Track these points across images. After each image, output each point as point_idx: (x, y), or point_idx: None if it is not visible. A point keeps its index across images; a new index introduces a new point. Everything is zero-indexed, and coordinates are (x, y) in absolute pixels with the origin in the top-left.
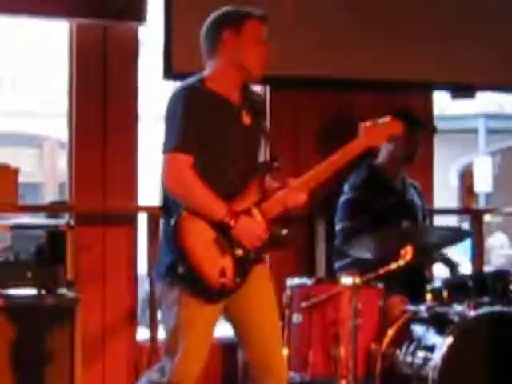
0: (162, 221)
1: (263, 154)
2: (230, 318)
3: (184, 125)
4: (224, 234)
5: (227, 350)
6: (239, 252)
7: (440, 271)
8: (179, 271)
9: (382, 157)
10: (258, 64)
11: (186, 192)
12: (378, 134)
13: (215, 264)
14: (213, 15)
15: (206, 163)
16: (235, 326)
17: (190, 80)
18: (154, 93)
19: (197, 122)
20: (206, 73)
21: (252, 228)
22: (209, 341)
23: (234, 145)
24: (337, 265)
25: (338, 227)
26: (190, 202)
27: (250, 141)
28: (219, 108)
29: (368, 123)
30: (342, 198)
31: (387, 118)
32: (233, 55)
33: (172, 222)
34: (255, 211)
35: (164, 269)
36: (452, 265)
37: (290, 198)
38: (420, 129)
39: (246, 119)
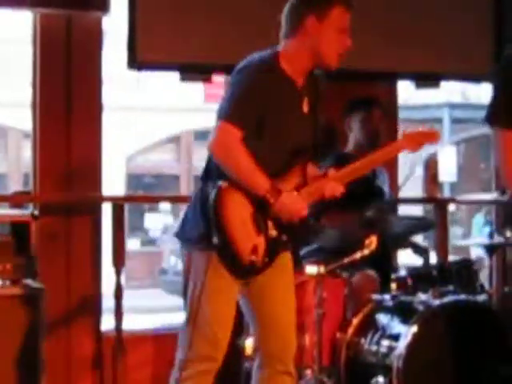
0: (199, 187)
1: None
2: (248, 297)
3: (246, 99)
4: (262, 211)
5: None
6: (273, 232)
7: (409, 258)
8: (213, 241)
9: (349, 146)
10: (335, 54)
11: (233, 162)
12: (416, 140)
13: (249, 240)
14: None
15: (258, 140)
16: (251, 307)
17: (267, 54)
18: (119, 83)
19: (260, 100)
20: (280, 49)
21: (291, 205)
22: (232, 315)
23: (289, 129)
24: (302, 252)
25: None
26: (235, 172)
27: (303, 128)
28: (286, 91)
29: (409, 130)
30: None
31: (427, 128)
32: (312, 41)
33: (212, 192)
34: (295, 194)
35: (197, 235)
36: (421, 251)
37: (328, 189)
38: (376, 110)
39: (305, 107)
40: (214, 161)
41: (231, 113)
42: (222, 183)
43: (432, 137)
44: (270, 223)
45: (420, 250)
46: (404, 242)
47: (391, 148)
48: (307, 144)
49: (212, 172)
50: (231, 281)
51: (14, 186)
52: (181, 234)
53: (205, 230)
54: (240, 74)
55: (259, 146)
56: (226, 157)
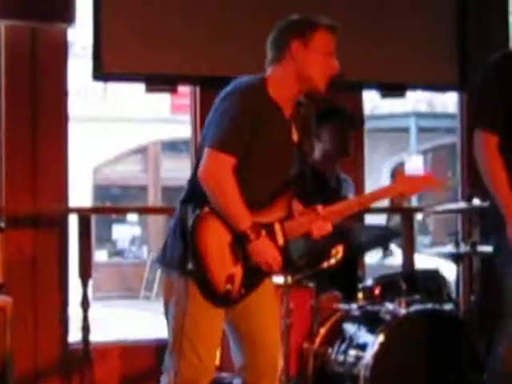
0: (179, 210)
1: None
2: (234, 320)
3: (237, 126)
4: (240, 241)
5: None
6: (251, 263)
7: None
8: (188, 267)
9: (317, 154)
10: (323, 76)
11: (220, 194)
12: (412, 185)
13: (224, 268)
14: (283, 22)
15: (245, 168)
16: (238, 330)
17: (254, 79)
18: (84, 94)
19: (250, 127)
20: (267, 75)
21: (268, 252)
22: (217, 338)
23: (277, 158)
24: None
25: None
26: (219, 204)
27: (291, 158)
28: (274, 118)
29: (406, 173)
30: None
31: (424, 173)
32: (298, 66)
33: (192, 217)
34: (277, 227)
35: (176, 259)
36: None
37: (315, 225)
38: (348, 122)
39: (295, 136)
40: (201, 187)
41: (223, 141)
42: (203, 209)
43: (429, 183)
44: (248, 255)
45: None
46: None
47: (385, 190)
48: (291, 170)
49: (197, 197)
50: (210, 309)
51: None
52: (161, 259)
53: (182, 254)
54: (228, 99)
55: (245, 173)
56: (215, 187)
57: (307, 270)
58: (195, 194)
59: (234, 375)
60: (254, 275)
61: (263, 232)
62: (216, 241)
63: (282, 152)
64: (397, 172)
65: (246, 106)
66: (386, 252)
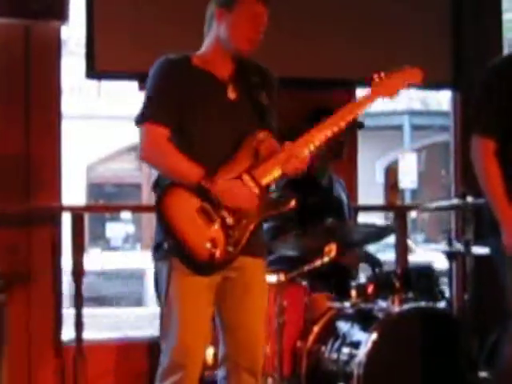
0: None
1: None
2: (220, 307)
3: (158, 97)
4: (209, 201)
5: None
6: (229, 220)
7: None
8: (165, 247)
9: None
10: (244, 38)
11: (161, 160)
12: (392, 84)
13: (202, 235)
14: None
15: (190, 134)
16: (222, 317)
17: (176, 54)
18: (78, 91)
19: (172, 95)
20: (199, 51)
21: (234, 189)
22: (205, 317)
23: (213, 118)
24: None
25: (264, 226)
26: (165, 170)
27: (235, 115)
28: (198, 82)
29: (381, 73)
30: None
31: (404, 67)
32: (221, 31)
33: (155, 196)
34: (246, 177)
35: (155, 246)
36: (375, 262)
37: (286, 162)
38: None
39: (232, 94)
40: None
41: (150, 113)
42: (166, 185)
43: (412, 75)
44: (224, 212)
45: (374, 262)
46: (361, 253)
47: (362, 99)
48: (245, 128)
49: (159, 179)
50: (198, 285)
51: None
52: (153, 250)
53: (159, 238)
54: (150, 75)
55: (187, 140)
56: (155, 157)
57: (301, 268)
58: (157, 178)
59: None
60: (237, 230)
61: (220, 178)
62: (184, 211)
63: (215, 110)
64: (372, 79)
65: (163, 76)
66: (376, 266)
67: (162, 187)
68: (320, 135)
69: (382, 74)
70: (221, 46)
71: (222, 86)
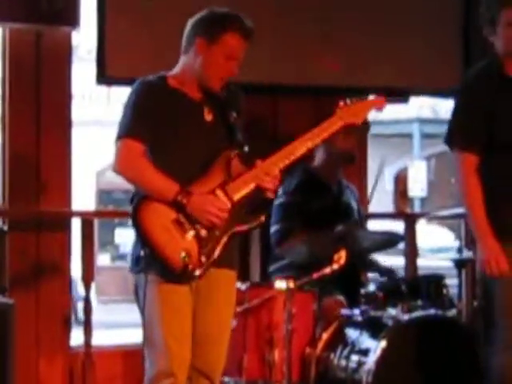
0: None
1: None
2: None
3: (136, 114)
4: (184, 214)
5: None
6: (203, 232)
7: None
8: (141, 255)
9: (317, 160)
10: (217, 78)
11: (136, 175)
12: (356, 110)
13: (176, 245)
14: (201, 13)
15: (161, 154)
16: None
17: (152, 76)
18: (89, 98)
19: (150, 113)
20: (173, 70)
21: (207, 205)
22: (186, 324)
23: (192, 138)
24: (271, 268)
25: (272, 230)
26: (141, 185)
27: (211, 136)
28: (177, 103)
29: (347, 100)
30: (277, 202)
31: (366, 97)
32: (197, 62)
33: (131, 209)
34: (219, 192)
35: (133, 259)
36: (387, 272)
37: (257, 179)
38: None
39: (208, 116)
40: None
41: (127, 129)
42: (141, 197)
43: (375, 103)
44: (197, 225)
45: (384, 273)
46: (373, 261)
47: (326, 124)
48: (219, 147)
49: (135, 192)
50: (177, 293)
51: None
52: (130, 262)
53: (137, 250)
54: (129, 95)
55: (164, 159)
56: (130, 172)
57: (310, 275)
58: (134, 191)
59: (236, 379)
60: (210, 242)
61: (195, 193)
62: (158, 222)
63: (194, 131)
64: (338, 106)
65: (141, 97)
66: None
67: (137, 199)
68: (287, 156)
69: (348, 101)
70: (193, 74)
71: (198, 108)
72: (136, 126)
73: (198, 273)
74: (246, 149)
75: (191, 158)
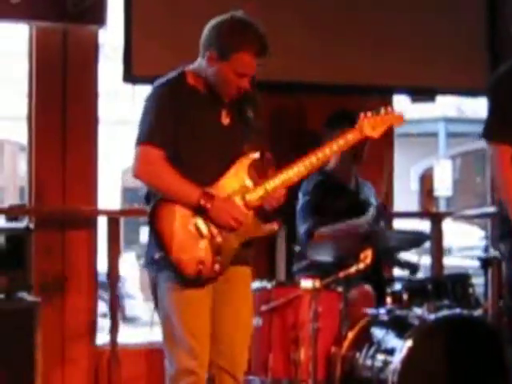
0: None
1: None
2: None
3: (155, 120)
4: (202, 219)
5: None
6: (218, 239)
7: (399, 272)
8: (155, 257)
9: (333, 162)
10: (226, 91)
11: (158, 181)
12: (376, 124)
13: (192, 251)
14: (221, 19)
15: (178, 157)
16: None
17: (171, 75)
18: (115, 96)
19: (170, 117)
20: (191, 66)
21: (229, 209)
22: (204, 322)
23: (208, 142)
24: (295, 267)
25: (301, 231)
26: (162, 189)
27: (227, 140)
28: (195, 103)
29: (367, 114)
30: (299, 205)
31: (387, 109)
32: (209, 72)
33: (149, 209)
34: (237, 198)
35: (149, 259)
36: (411, 267)
37: (273, 191)
38: None
39: (226, 119)
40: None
41: (147, 135)
42: (159, 198)
43: (394, 118)
44: (214, 230)
45: (409, 267)
46: (397, 256)
47: (347, 137)
48: (236, 150)
49: (151, 193)
50: (189, 294)
51: (10, 199)
52: (145, 261)
53: (153, 250)
54: (148, 99)
55: (180, 160)
56: (151, 177)
57: (335, 274)
58: (149, 192)
59: (262, 378)
60: (225, 249)
61: (217, 196)
62: (176, 226)
63: (210, 132)
64: (358, 117)
65: (162, 101)
66: (412, 271)
67: (154, 200)
68: (303, 171)
69: (369, 114)
70: (208, 80)
71: (216, 110)
72: (155, 131)
73: (209, 279)
74: (265, 154)
75: (206, 160)
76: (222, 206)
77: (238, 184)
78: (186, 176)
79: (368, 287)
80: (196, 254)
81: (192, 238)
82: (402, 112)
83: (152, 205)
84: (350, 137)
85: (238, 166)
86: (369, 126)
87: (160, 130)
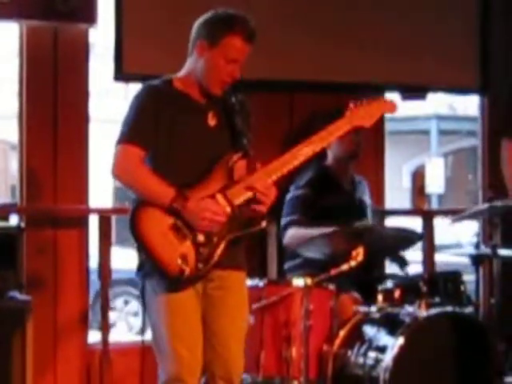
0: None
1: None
2: (201, 315)
3: (137, 120)
4: (181, 218)
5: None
6: (200, 237)
7: (390, 269)
8: (139, 260)
9: (329, 158)
10: (217, 80)
11: (132, 180)
12: (366, 112)
13: (173, 251)
14: (205, 15)
15: (162, 158)
16: (202, 327)
17: (159, 79)
18: (105, 95)
19: (151, 119)
20: (178, 74)
21: (201, 211)
22: (195, 330)
23: (193, 144)
24: (287, 265)
25: (282, 223)
26: (138, 190)
27: (213, 142)
28: (180, 106)
29: (357, 102)
30: (288, 196)
31: (379, 98)
32: (198, 65)
33: (129, 212)
34: (219, 196)
35: (137, 265)
36: (400, 261)
37: (258, 182)
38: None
39: (212, 121)
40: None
41: (127, 135)
42: (139, 201)
43: (386, 106)
44: (195, 230)
45: (398, 261)
46: (390, 254)
47: (335, 127)
48: (221, 152)
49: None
50: (174, 297)
51: (1, 197)
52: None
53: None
54: (132, 100)
55: (165, 162)
56: (127, 177)
57: (327, 272)
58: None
59: (253, 376)
60: (208, 247)
61: (191, 198)
62: (156, 227)
63: (195, 134)
64: (347, 106)
65: (143, 102)
66: (402, 264)
67: (134, 204)
68: (292, 161)
69: (359, 102)
70: (196, 78)
71: (202, 113)
72: (136, 131)
73: (193, 279)
74: (251, 153)
75: (192, 162)
76: (194, 208)
77: (221, 183)
78: (170, 177)
79: (356, 294)
80: (178, 254)
81: (174, 239)
82: (394, 102)
83: (131, 209)
84: (339, 129)
85: (222, 164)
86: (358, 115)
87: (140, 130)
